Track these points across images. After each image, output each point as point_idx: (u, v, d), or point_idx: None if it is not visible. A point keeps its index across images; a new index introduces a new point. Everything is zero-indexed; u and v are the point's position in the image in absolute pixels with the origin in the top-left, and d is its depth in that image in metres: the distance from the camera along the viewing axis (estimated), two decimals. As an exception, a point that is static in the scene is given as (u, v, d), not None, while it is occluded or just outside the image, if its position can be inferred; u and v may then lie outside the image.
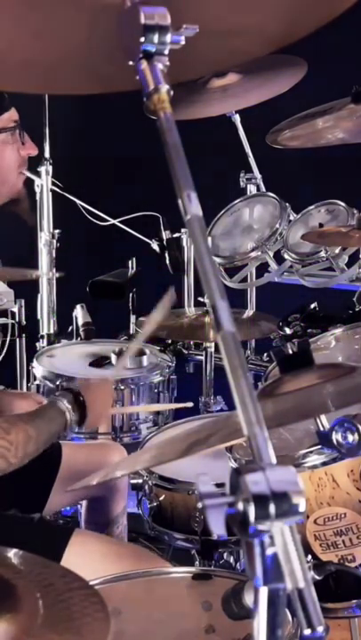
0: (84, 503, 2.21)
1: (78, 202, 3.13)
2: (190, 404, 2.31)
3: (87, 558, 1.68)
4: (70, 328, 3.00)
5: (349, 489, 1.45)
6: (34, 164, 3.17)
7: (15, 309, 3.01)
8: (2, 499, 1.86)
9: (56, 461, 2.06)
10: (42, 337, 3.20)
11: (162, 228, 3.02)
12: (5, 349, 2.84)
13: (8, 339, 2.91)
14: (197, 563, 1.90)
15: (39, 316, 3.24)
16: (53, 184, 3.19)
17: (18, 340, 3.03)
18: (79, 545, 1.69)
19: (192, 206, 0.82)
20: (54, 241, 3.19)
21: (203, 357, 2.81)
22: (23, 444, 1.56)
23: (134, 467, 1.72)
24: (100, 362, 2.61)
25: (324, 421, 1.35)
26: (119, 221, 3.12)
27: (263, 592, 0.68)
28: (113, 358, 2.63)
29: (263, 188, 3.14)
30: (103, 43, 0.99)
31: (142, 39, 0.89)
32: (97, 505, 2.14)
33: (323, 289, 2.74)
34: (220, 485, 0.69)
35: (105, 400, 1.88)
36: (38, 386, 2.55)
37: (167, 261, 3.03)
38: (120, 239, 3.14)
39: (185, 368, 3.11)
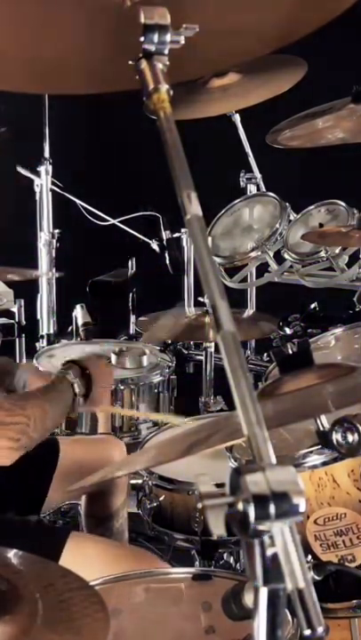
0: (83, 498, 2.21)
1: (78, 202, 3.13)
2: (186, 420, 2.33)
3: (84, 561, 1.68)
4: (70, 328, 3.00)
5: (350, 489, 1.45)
6: (34, 163, 3.18)
7: (15, 309, 3.01)
8: (1, 496, 1.86)
9: (54, 457, 2.06)
10: (42, 337, 3.20)
11: (162, 228, 3.02)
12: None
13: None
14: (197, 563, 1.90)
15: (39, 316, 3.24)
16: (53, 184, 3.19)
17: (18, 339, 3.03)
18: (76, 548, 1.70)
19: (192, 206, 0.82)
20: (54, 241, 3.19)
21: (203, 357, 2.81)
22: (41, 418, 1.59)
23: (134, 467, 1.72)
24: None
25: (324, 421, 1.35)
26: (119, 221, 3.12)
27: (263, 592, 0.68)
28: (113, 358, 2.63)
29: (263, 188, 3.14)
30: (103, 43, 1.00)
31: (142, 39, 0.89)
32: (97, 499, 2.14)
33: (323, 289, 2.74)
34: (220, 485, 0.69)
35: (107, 375, 1.91)
36: (38, 386, 2.55)
37: (167, 261, 3.03)
38: (120, 239, 3.14)
39: (185, 368, 3.11)
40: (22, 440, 1.56)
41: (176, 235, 3.08)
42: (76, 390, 1.76)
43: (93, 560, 1.69)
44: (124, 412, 2.50)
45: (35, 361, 2.61)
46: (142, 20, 0.88)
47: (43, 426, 1.60)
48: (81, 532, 2.15)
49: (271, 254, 2.83)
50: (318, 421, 1.36)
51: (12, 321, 3.02)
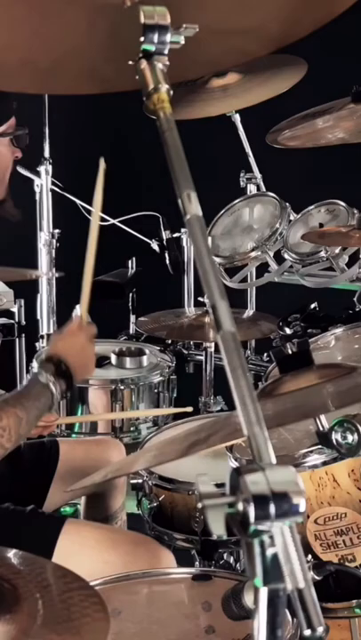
0: (82, 499, 2.21)
1: (78, 202, 3.13)
2: (190, 409, 2.31)
3: (81, 545, 1.68)
4: (70, 328, 2.99)
5: (350, 488, 1.45)
6: (34, 163, 3.17)
7: (15, 309, 3.01)
8: (1, 496, 1.86)
9: (54, 459, 2.06)
10: (42, 337, 3.20)
11: (162, 227, 3.03)
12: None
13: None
14: (197, 563, 1.90)
15: (39, 316, 3.24)
16: (53, 184, 3.19)
17: (17, 339, 3.03)
18: (73, 533, 1.69)
19: (192, 206, 0.82)
20: (54, 241, 3.19)
21: (203, 357, 2.81)
22: (15, 427, 1.56)
23: (134, 467, 1.71)
24: (99, 362, 2.61)
25: (324, 421, 1.35)
26: (119, 221, 3.12)
27: (263, 592, 0.68)
28: (113, 358, 2.63)
29: (263, 188, 3.14)
30: (103, 43, 1.00)
31: (142, 39, 0.89)
32: (95, 501, 2.15)
33: (323, 289, 2.74)
34: (220, 485, 0.69)
35: (84, 349, 1.82)
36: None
37: (167, 261, 3.03)
38: (120, 239, 3.14)
39: (185, 368, 3.11)
40: None
41: (176, 235, 3.08)
42: (53, 390, 1.67)
43: (91, 544, 1.69)
44: (124, 415, 2.50)
45: (35, 361, 2.61)
46: (142, 20, 0.88)
47: (17, 434, 1.56)
48: (77, 519, 2.15)
49: (271, 254, 2.83)
50: (318, 421, 1.36)
51: (12, 321, 3.02)
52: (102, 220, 3.12)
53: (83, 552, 1.66)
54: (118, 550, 1.67)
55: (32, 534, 1.69)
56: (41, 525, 1.73)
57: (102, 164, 1.85)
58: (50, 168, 3.17)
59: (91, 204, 2.98)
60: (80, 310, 1.93)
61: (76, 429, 2.52)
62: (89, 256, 1.90)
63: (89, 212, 3.14)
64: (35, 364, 2.56)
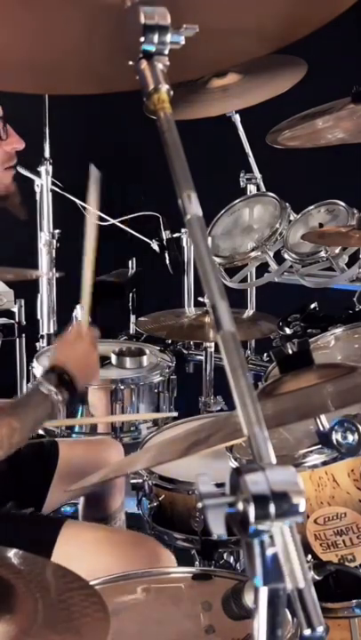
0: (81, 499, 2.21)
1: (78, 202, 3.13)
2: (175, 414, 2.33)
3: (80, 546, 1.68)
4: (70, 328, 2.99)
5: (350, 488, 1.45)
6: (34, 163, 3.17)
7: (15, 309, 3.01)
8: (1, 497, 1.86)
9: (53, 459, 2.06)
10: (42, 337, 3.20)
11: (162, 227, 3.03)
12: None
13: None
14: (197, 563, 1.90)
15: (39, 316, 3.24)
16: (53, 184, 3.19)
17: (18, 339, 3.03)
18: (72, 534, 1.69)
19: (192, 206, 0.82)
20: (54, 241, 3.19)
21: (203, 357, 2.81)
22: (8, 437, 1.57)
23: (134, 467, 1.71)
24: (99, 362, 2.61)
25: (324, 421, 1.35)
26: (119, 221, 3.12)
27: (263, 592, 0.68)
28: (113, 358, 2.63)
29: (263, 188, 3.14)
30: (103, 43, 1.00)
31: (142, 39, 0.89)
32: (94, 501, 2.15)
33: (323, 289, 2.74)
34: (220, 485, 0.69)
35: (87, 355, 1.82)
36: (38, 386, 2.54)
37: (167, 261, 3.03)
38: (120, 239, 3.14)
39: (185, 368, 3.11)
40: None
41: (176, 235, 3.08)
42: (54, 399, 1.67)
43: (91, 545, 1.69)
44: (124, 419, 2.50)
45: (35, 361, 2.61)
46: (142, 20, 0.88)
47: (9, 443, 1.57)
48: (76, 520, 2.15)
49: (271, 254, 2.83)
50: (318, 421, 1.36)
51: (12, 321, 3.02)
52: (102, 220, 3.13)
53: (82, 554, 1.66)
54: (118, 551, 1.67)
55: (30, 536, 1.69)
56: (39, 527, 1.73)
57: (93, 172, 1.84)
58: (50, 168, 3.17)
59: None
60: (81, 315, 1.92)
61: (75, 429, 2.52)
62: (87, 261, 1.89)
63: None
64: (35, 364, 2.56)
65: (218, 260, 2.90)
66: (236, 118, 3.07)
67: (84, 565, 1.58)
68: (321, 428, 1.35)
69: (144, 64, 0.90)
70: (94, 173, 1.84)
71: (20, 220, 2.08)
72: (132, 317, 3.17)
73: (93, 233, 1.90)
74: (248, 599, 1.13)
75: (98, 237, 1.92)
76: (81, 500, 2.22)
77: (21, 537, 1.67)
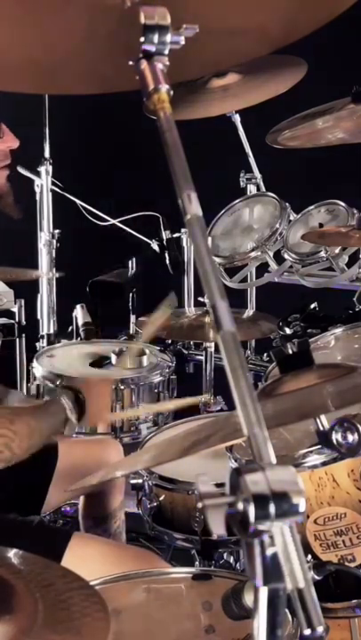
0: (81, 499, 2.21)
1: (78, 202, 3.13)
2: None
3: (87, 561, 1.68)
4: (70, 328, 3.00)
5: (350, 489, 1.45)
6: (34, 163, 3.17)
7: (15, 309, 3.01)
8: (1, 497, 1.86)
9: (53, 458, 2.06)
10: (42, 337, 3.20)
11: (162, 227, 3.02)
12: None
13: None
14: (197, 563, 1.90)
15: (39, 316, 3.24)
16: (53, 184, 3.19)
17: (18, 339, 3.03)
18: (78, 548, 1.70)
19: (192, 206, 0.82)
20: (54, 241, 3.19)
21: (203, 357, 2.81)
22: (27, 435, 1.58)
23: (134, 467, 1.72)
24: (100, 362, 2.61)
25: (324, 421, 1.35)
26: (119, 221, 3.12)
27: (263, 592, 0.68)
28: (113, 358, 2.63)
29: (263, 188, 3.14)
30: (103, 43, 1.00)
31: (142, 39, 0.89)
32: (94, 500, 2.15)
33: (323, 289, 2.74)
34: (220, 485, 0.69)
35: (104, 400, 1.90)
36: (38, 386, 2.54)
37: (167, 261, 3.03)
38: (120, 239, 3.14)
39: (185, 368, 3.11)
40: (4, 453, 1.54)
41: (176, 235, 3.08)
42: (69, 415, 1.75)
43: (96, 560, 1.69)
44: (124, 415, 2.49)
45: (35, 361, 2.61)
46: (142, 20, 0.88)
47: (27, 444, 1.58)
48: (83, 533, 2.15)
49: (271, 254, 2.83)
50: (318, 421, 1.36)
51: (12, 321, 3.01)
52: (102, 219, 3.13)
53: (88, 567, 1.66)
54: (123, 567, 1.67)
55: (38, 549, 1.68)
56: (48, 540, 1.73)
57: (170, 301, 1.91)
58: (50, 168, 3.17)
59: (91, 205, 2.99)
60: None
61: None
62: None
63: (89, 212, 3.15)
64: (35, 364, 2.56)
65: (218, 260, 2.90)
66: (236, 118, 3.07)
67: (89, 579, 1.58)
68: (321, 428, 1.35)
69: (144, 64, 0.90)
70: (171, 302, 1.93)
71: (15, 219, 2.07)
72: (132, 317, 3.17)
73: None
74: (248, 599, 1.13)
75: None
76: (81, 499, 2.22)
77: (30, 550, 1.67)
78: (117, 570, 1.66)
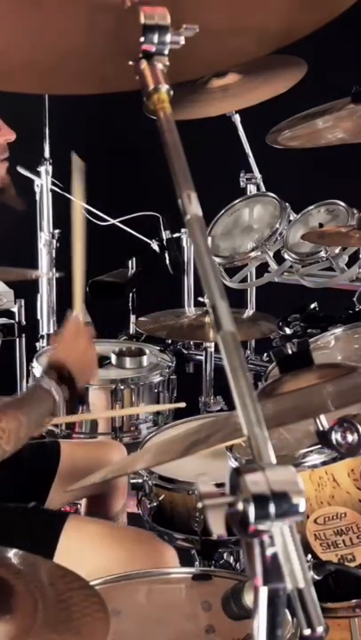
0: (83, 501, 2.21)
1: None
2: (183, 404, 2.33)
3: (84, 541, 1.67)
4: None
5: (350, 488, 1.45)
6: (34, 163, 3.17)
7: (15, 309, 3.01)
8: (1, 497, 1.86)
9: (55, 460, 2.06)
10: (42, 337, 3.20)
11: (162, 227, 3.03)
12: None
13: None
14: (197, 563, 1.90)
15: (39, 316, 3.24)
16: (53, 184, 3.19)
17: (18, 339, 3.03)
18: (76, 528, 1.69)
19: (192, 206, 0.82)
20: (54, 241, 3.19)
21: (203, 357, 2.82)
22: (15, 430, 1.56)
23: (134, 467, 1.72)
24: (99, 362, 2.61)
25: (324, 421, 1.35)
26: (119, 221, 3.12)
27: (263, 592, 0.68)
28: (113, 358, 2.63)
29: (263, 188, 3.14)
30: (103, 43, 1.00)
31: (142, 39, 0.89)
32: (96, 503, 2.14)
33: (323, 289, 2.74)
34: (220, 485, 0.69)
35: (86, 352, 1.82)
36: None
37: (167, 261, 3.04)
38: (120, 239, 3.14)
39: (185, 368, 3.11)
40: None
41: (176, 235, 3.08)
42: (55, 396, 1.69)
43: (94, 540, 1.69)
44: (124, 413, 2.49)
45: (35, 361, 2.61)
46: (142, 20, 0.88)
47: (17, 438, 1.56)
48: (79, 515, 2.14)
49: (271, 254, 2.83)
50: (318, 421, 1.36)
51: (12, 321, 3.02)
52: (102, 219, 3.13)
53: (85, 548, 1.66)
54: (121, 547, 1.67)
55: (35, 530, 1.68)
56: (43, 521, 1.73)
57: (76, 161, 1.81)
58: (50, 168, 3.17)
59: (91, 205, 2.98)
60: (75, 311, 1.91)
61: (75, 429, 2.52)
62: (77, 257, 1.88)
63: (89, 212, 3.14)
64: (35, 364, 2.56)
65: (218, 259, 2.90)
66: (236, 118, 3.07)
67: (87, 560, 1.58)
68: (321, 428, 1.35)
69: (144, 64, 0.90)
70: (77, 163, 1.83)
71: (19, 210, 2.07)
72: (132, 317, 3.17)
73: (81, 226, 1.88)
74: (248, 599, 1.13)
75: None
76: (83, 502, 2.21)
77: (26, 531, 1.67)
78: (116, 549, 1.66)
